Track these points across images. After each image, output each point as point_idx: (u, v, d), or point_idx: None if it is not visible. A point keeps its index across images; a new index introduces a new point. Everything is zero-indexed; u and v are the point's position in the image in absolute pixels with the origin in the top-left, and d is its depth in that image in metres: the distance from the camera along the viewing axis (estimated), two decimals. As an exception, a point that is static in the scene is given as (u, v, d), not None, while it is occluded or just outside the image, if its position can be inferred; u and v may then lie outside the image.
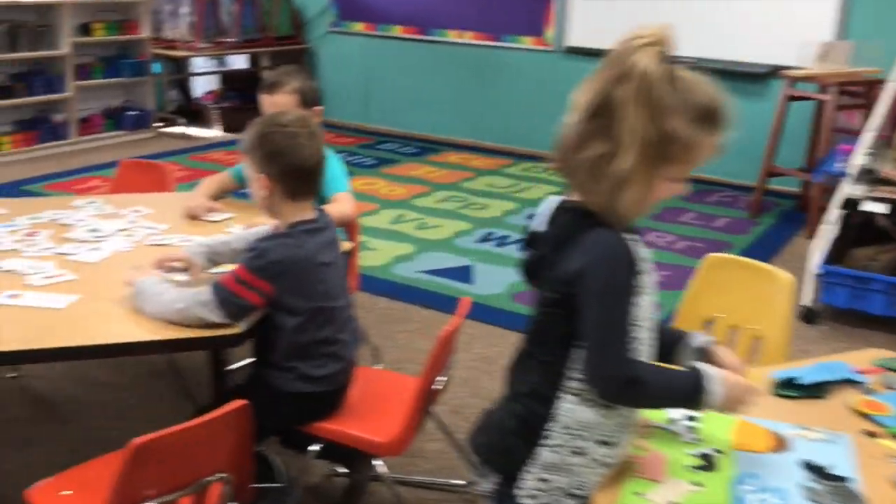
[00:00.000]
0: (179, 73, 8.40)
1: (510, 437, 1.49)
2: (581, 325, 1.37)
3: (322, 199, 3.07)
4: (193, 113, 8.22)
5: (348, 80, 8.24)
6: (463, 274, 4.44)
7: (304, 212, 2.14)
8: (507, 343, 3.63)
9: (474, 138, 7.60)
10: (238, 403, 1.77)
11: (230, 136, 7.73)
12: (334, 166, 3.02)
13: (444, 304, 4.06)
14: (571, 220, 1.43)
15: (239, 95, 8.16)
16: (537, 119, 7.21)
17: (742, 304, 2.26)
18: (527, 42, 7.16)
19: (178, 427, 1.67)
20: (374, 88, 8.11)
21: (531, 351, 1.50)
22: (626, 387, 1.37)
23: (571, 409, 1.43)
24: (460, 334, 3.79)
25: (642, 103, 1.32)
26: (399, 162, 6.92)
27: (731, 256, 2.39)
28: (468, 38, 7.42)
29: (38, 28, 6.69)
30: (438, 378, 2.30)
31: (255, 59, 8.72)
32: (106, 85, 7.28)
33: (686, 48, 5.65)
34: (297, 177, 2.10)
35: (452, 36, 7.50)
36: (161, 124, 7.76)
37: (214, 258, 2.30)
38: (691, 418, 1.64)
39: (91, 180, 6.07)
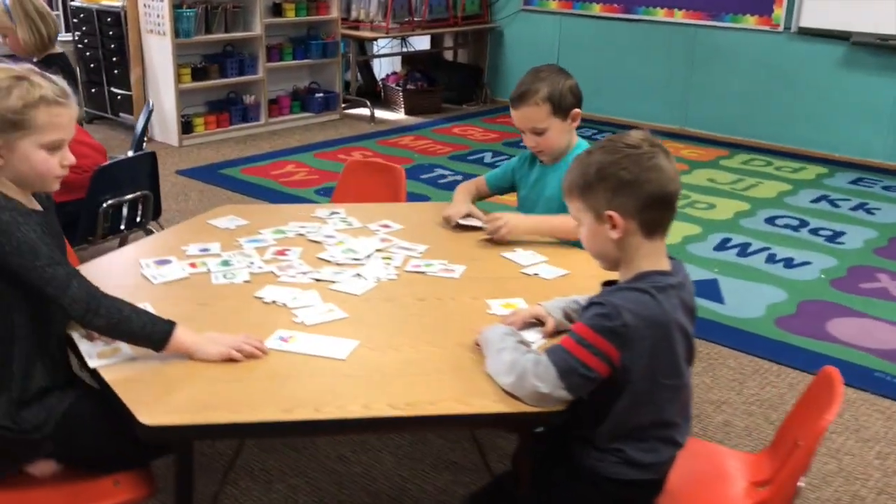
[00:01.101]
0: (362, 54, 8.16)
1: None
2: None
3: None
4: (376, 95, 7.96)
5: (536, 60, 7.70)
6: (709, 290, 3.89)
7: (660, 258, 1.70)
8: (785, 383, 3.10)
9: (679, 125, 6.98)
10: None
11: (414, 119, 7.43)
12: None
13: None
14: None
15: (424, 77, 7.82)
16: (758, 106, 6.54)
17: None
18: (750, 21, 6.46)
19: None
20: (564, 67, 7.59)
21: None
22: None
23: None
24: (719, 367, 3.31)
25: None
26: (599, 151, 6.38)
27: None
28: (680, 16, 6.78)
29: (232, 9, 6.55)
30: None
31: (436, 41, 8.38)
32: (294, 66, 7.09)
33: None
34: (659, 207, 1.66)
35: (661, 14, 6.88)
36: (344, 105, 7.53)
37: (572, 315, 1.93)
38: None
39: (286, 165, 5.86)
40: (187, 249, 2.36)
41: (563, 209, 2.59)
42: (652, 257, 1.69)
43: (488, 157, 6.12)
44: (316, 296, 2.08)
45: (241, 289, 2.12)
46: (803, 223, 4.85)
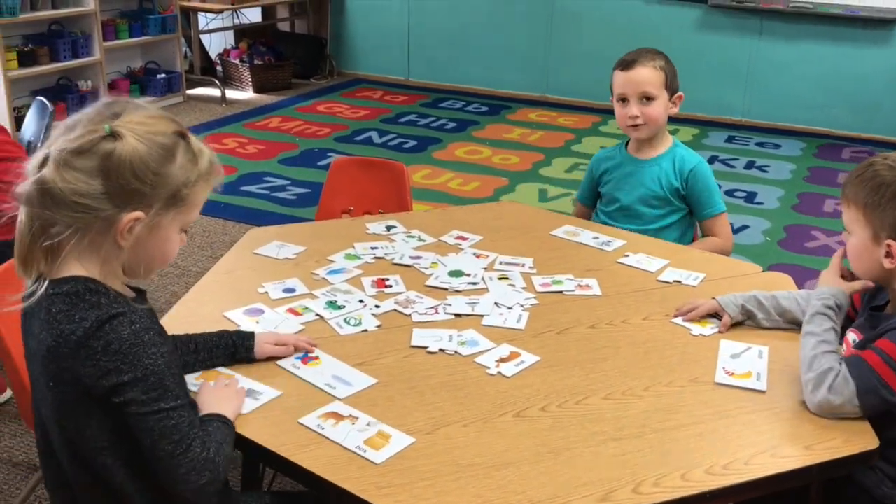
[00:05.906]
0: (190, 29, 7.40)
1: None
2: None
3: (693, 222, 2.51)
4: (212, 73, 7.27)
5: (385, 28, 7.44)
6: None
7: None
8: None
9: (540, 92, 6.95)
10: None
11: (268, 97, 6.86)
12: (708, 174, 2.44)
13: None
14: None
15: (270, 51, 7.23)
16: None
17: None
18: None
19: None
20: (416, 37, 7.34)
21: None
22: None
23: None
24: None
25: None
26: (480, 124, 6.20)
27: None
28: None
29: (57, -18, 5.68)
30: None
31: (268, 11, 7.79)
32: (131, 45, 6.30)
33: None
34: None
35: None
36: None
37: (750, 312, 1.81)
38: None
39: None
40: (268, 291, 1.93)
41: (655, 207, 2.42)
42: None
43: (376, 137, 5.76)
44: (479, 336, 1.75)
45: (382, 339, 1.74)
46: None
